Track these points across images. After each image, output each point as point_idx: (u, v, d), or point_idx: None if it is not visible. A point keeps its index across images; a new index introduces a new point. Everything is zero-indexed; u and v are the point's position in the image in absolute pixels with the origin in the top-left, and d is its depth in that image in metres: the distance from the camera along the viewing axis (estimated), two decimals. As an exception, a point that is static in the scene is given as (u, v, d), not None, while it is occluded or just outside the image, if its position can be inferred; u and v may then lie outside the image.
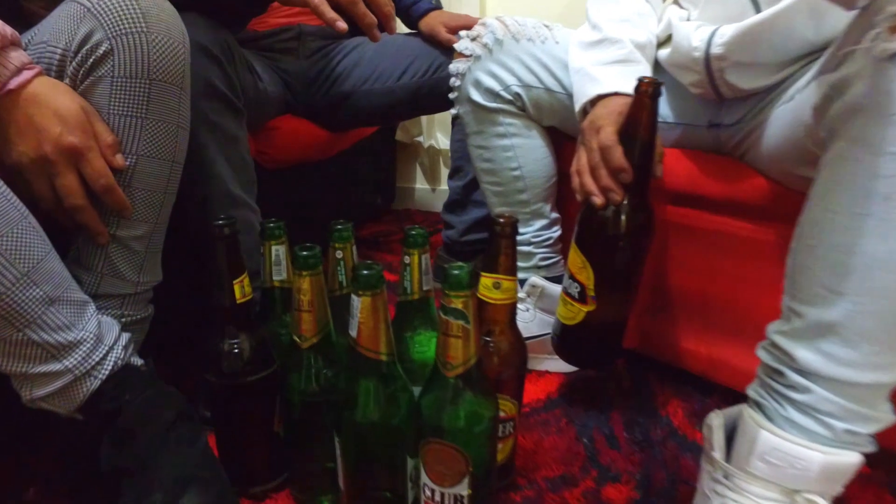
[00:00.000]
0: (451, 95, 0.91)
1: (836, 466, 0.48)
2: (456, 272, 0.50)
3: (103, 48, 0.56)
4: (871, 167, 0.44)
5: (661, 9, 0.81)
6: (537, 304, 0.91)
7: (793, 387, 0.51)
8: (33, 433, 0.73)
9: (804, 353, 0.49)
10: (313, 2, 0.80)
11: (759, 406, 0.54)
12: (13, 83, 0.53)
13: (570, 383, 0.90)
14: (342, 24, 0.81)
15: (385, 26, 0.88)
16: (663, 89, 0.67)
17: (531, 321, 0.90)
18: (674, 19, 0.76)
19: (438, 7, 1.18)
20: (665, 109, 0.83)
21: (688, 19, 0.77)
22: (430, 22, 1.10)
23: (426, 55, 1.09)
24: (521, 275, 0.92)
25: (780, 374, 0.52)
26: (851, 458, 0.48)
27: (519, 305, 0.90)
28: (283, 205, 0.70)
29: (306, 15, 1.15)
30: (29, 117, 0.55)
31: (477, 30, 0.87)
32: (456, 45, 0.89)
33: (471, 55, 0.86)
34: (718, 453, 0.55)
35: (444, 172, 1.84)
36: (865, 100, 0.44)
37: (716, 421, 0.56)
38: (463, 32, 0.89)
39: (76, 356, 0.53)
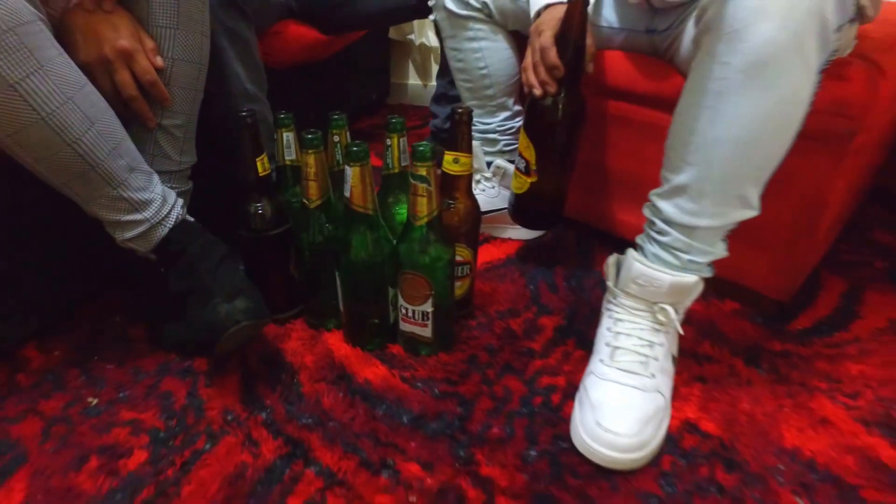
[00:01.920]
0: (430, 3, 1.05)
1: (681, 285, 0.70)
2: (421, 148, 0.69)
3: None
4: (710, 72, 0.62)
5: None
6: (501, 182, 1.10)
7: (659, 232, 0.71)
8: (114, 279, 0.96)
9: (667, 207, 0.69)
10: None
11: (640, 248, 0.75)
12: None
13: (526, 248, 1.11)
14: None
15: None
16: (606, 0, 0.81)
17: (496, 197, 1.10)
18: None
19: None
20: (611, 15, 0.98)
21: None
22: None
23: None
24: (488, 158, 1.11)
25: (653, 223, 0.72)
26: (691, 279, 0.69)
27: (486, 184, 1.10)
28: (289, 102, 0.87)
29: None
30: (91, 26, 0.72)
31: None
32: None
33: (446, -31, 0.99)
34: (611, 282, 0.77)
35: (435, 68, 1.96)
36: (713, 22, 0.61)
37: (611, 260, 0.77)
38: None
39: (151, 210, 0.74)
